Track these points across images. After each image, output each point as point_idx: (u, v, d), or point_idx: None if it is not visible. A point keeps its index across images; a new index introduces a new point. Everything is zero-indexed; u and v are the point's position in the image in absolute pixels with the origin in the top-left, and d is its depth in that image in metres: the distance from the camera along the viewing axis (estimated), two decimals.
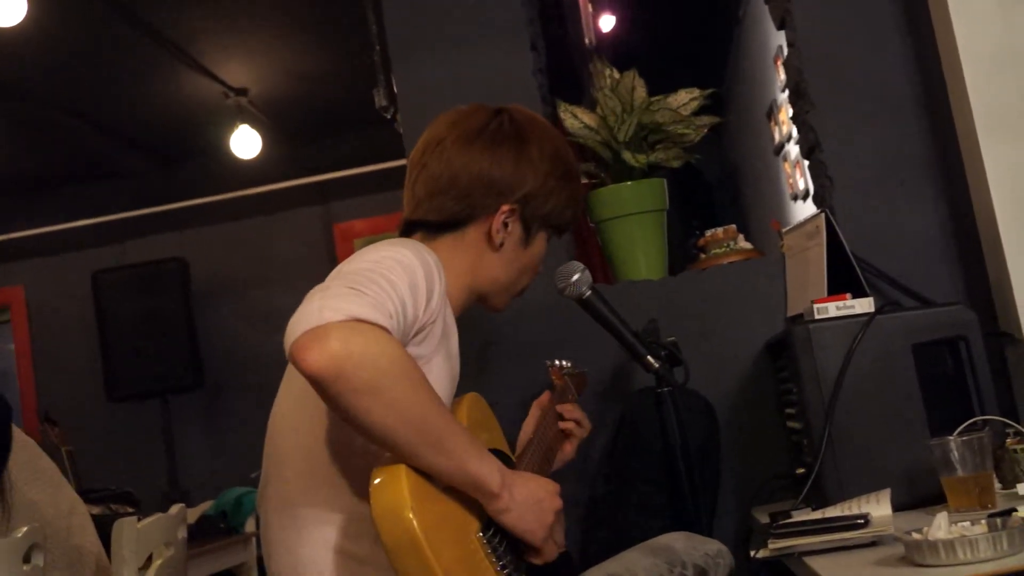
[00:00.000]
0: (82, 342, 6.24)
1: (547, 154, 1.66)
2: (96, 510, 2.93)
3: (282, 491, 1.51)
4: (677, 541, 1.68)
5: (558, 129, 2.52)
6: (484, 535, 1.39)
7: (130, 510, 3.05)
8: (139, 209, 6.54)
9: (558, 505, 1.45)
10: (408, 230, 1.67)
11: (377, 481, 1.28)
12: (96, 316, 5.99)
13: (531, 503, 1.41)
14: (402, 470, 1.29)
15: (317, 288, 1.33)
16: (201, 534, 3.89)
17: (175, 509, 2.10)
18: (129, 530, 1.83)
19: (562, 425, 1.92)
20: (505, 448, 1.64)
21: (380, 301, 1.31)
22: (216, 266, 6.53)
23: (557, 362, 2.05)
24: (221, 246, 6.64)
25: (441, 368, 1.49)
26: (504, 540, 1.42)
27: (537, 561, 1.45)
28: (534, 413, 1.94)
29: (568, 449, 1.93)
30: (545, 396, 1.95)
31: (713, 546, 1.68)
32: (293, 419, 1.53)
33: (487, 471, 1.36)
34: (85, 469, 4.65)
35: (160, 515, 2.03)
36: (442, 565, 1.25)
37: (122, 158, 6.59)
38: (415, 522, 1.24)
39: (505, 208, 1.63)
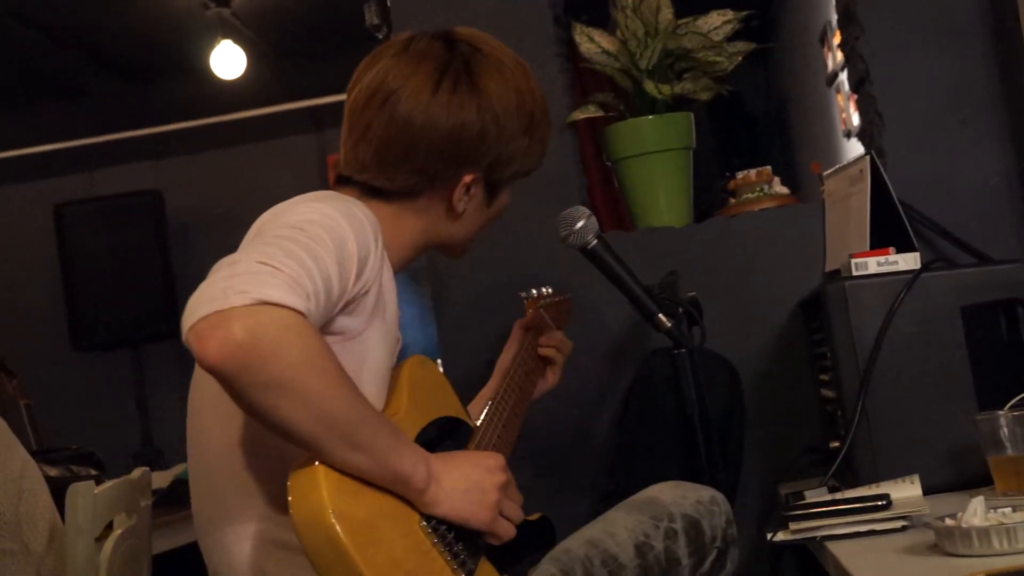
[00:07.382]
0: (43, 283, 6.29)
1: (511, 106, 1.62)
2: (54, 472, 2.96)
3: (208, 482, 1.54)
4: (664, 492, 1.71)
5: (575, 53, 2.53)
6: (428, 524, 1.39)
7: (93, 473, 3.08)
8: (108, 134, 6.56)
9: (500, 480, 1.46)
10: (343, 184, 1.63)
11: (292, 486, 1.29)
12: (59, 254, 6.04)
13: (465, 488, 1.42)
14: (319, 470, 1.29)
15: (225, 261, 1.30)
16: (173, 500, 3.93)
17: (138, 473, 2.13)
18: (85, 496, 1.86)
19: (542, 352, 1.97)
20: (460, 413, 1.65)
21: (298, 279, 1.28)
22: (195, 199, 6.54)
23: (534, 291, 2.04)
24: (200, 177, 6.66)
25: (377, 338, 1.49)
26: (453, 525, 1.42)
27: (494, 541, 1.47)
28: (515, 335, 1.99)
29: (551, 378, 1.99)
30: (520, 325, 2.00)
31: (706, 493, 1.71)
32: (211, 405, 1.52)
33: (409, 465, 1.36)
34: (46, 426, 4.70)
35: (121, 479, 2.08)
36: (374, 569, 1.26)
37: (89, 76, 6.58)
38: (338, 527, 1.25)
39: (468, 179, 1.61)
